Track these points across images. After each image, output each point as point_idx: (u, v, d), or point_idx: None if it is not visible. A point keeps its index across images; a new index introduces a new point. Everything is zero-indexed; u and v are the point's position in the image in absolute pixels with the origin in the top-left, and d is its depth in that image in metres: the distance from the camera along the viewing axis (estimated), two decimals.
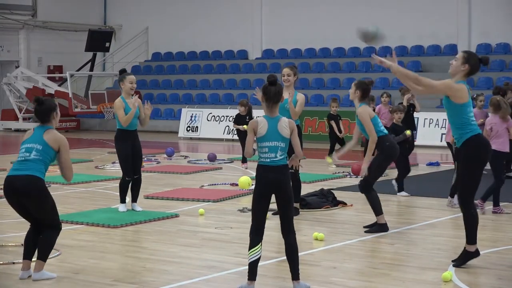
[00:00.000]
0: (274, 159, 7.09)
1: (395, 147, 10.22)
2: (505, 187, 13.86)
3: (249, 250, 7.13)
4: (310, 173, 15.51)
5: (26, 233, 7.83)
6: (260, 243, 7.13)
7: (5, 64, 32.73)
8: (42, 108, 7.74)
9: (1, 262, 8.37)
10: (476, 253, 8.15)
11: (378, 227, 10.02)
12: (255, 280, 7.15)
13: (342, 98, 26.45)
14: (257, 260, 7.12)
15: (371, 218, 10.40)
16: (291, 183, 7.22)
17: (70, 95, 28.92)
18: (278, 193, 7.10)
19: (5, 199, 7.77)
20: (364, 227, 10.26)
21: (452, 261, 8.23)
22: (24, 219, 7.87)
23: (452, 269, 7.98)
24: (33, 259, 7.83)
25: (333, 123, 17.33)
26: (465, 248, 8.18)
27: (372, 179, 10.09)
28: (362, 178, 10.11)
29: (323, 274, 7.96)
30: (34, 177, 7.56)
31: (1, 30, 32.20)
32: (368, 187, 10.04)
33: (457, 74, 8.06)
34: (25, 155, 7.62)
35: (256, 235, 7.14)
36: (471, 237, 8.13)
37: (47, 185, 7.82)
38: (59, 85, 31.31)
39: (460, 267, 8.09)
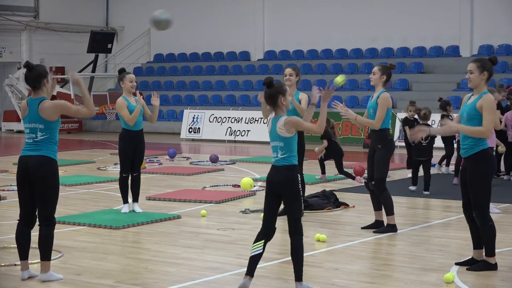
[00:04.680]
0: (276, 158, 7.16)
1: (393, 142, 10.24)
2: (506, 189, 13.88)
3: (252, 243, 7.16)
4: (312, 174, 15.49)
5: (16, 232, 7.77)
6: (263, 240, 7.14)
7: (7, 66, 32.73)
8: (32, 74, 7.64)
9: (2, 264, 8.38)
10: (495, 266, 8.06)
11: (388, 228, 10.04)
12: (252, 276, 7.13)
13: (344, 99, 26.44)
14: (257, 256, 7.11)
15: (373, 219, 10.39)
16: (297, 182, 7.15)
17: (72, 97, 28.91)
18: (283, 192, 7.11)
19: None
20: (362, 228, 10.27)
21: (467, 269, 8.12)
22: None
23: (454, 271, 7.98)
24: (36, 261, 7.84)
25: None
26: (484, 259, 8.10)
27: (384, 174, 10.04)
28: (374, 180, 10.07)
29: (325, 275, 7.96)
30: (48, 158, 7.56)
31: (3, 31, 32.21)
32: (382, 186, 10.00)
33: (479, 84, 7.90)
34: (31, 136, 7.59)
35: (263, 232, 7.18)
36: (490, 249, 8.04)
37: None
38: (61, 87, 31.30)
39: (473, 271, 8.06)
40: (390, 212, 10.05)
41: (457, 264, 8.24)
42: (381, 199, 10.06)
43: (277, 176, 7.10)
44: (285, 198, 7.13)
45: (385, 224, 10.14)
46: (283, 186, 7.09)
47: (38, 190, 7.56)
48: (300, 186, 7.16)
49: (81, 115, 7.99)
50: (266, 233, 7.20)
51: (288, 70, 11.22)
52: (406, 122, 15.23)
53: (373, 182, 10.03)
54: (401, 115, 22.51)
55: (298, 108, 10.85)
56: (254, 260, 7.14)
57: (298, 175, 7.16)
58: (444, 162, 16.18)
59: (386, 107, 9.87)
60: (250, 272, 7.16)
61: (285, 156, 7.12)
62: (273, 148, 7.18)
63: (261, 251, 7.14)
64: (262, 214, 7.37)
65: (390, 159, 10.17)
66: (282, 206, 7.56)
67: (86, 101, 7.81)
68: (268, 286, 7.57)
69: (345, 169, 15.08)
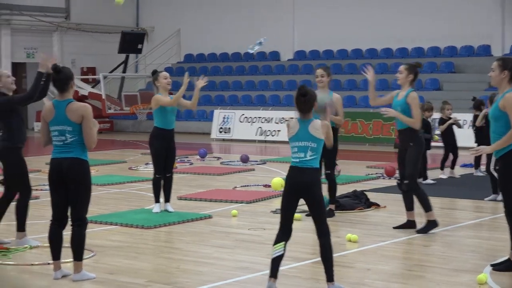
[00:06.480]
0: (303, 159, 7.08)
1: (423, 139, 10.31)
2: None
3: (273, 245, 7.14)
4: (344, 174, 15.43)
5: (49, 232, 7.83)
6: (284, 242, 7.12)
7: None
8: (60, 76, 7.65)
9: (36, 263, 8.45)
10: None
11: (429, 224, 9.98)
12: (275, 277, 7.10)
13: None
14: (279, 257, 7.09)
15: (405, 219, 10.34)
16: (321, 185, 7.16)
17: (104, 97, 29.07)
18: (306, 196, 7.10)
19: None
20: (394, 227, 10.22)
21: (492, 265, 8.12)
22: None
23: (487, 272, 7.92)
24: (69, 260, 7.90)
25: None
26: (509, 258, 8.04)
27: (416, 171, 10.05)
28: (406, 178, 10.03)
29: (357, 276, 7.94)
30: (80, 160, 7.60)
31: (35, 33, 32.48)
32: (415, 185, 9.97)
33: (501, 83, 7.90)
34: (61, 138, 7.61)
35: (281, 233, 7.17)
36: None
37: None
38: (93, 87, 31.51)
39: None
40: (428, 208, 9.99)
41: (492, 265, 8.14)
42: (417, 197, 10.01)
43: (305, 178, 7.06)
44: (311, 200, 7.11)
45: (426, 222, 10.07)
46: (311, 189, 7.06)
47: (71, 191, 7.61)
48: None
49: (89, 133, 7.57)
50: (285, 235, 7.18)
51: (319, 71, 11.18)
52: (442, 122, 15.43)
53: (406, 181, 9.99)
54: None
55: (336, 120, 10.97)
56: (276, 262, 7.13)
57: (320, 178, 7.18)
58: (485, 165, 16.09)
59: (419, 105, 9.93)
60: (274, 273, 7.13)
61: (314, 158, 7.09)
62: (300, 148, 7.10)
63: (282, 252, 7.12)
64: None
65: (420, 157, 10.15)
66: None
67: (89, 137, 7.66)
68: (300, 286, 7.57)
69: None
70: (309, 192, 7.07)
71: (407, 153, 9.98)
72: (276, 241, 7.14)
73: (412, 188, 9.99)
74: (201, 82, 11.41)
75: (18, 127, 9.06)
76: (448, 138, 15.46)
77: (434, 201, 12.60)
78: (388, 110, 10.06)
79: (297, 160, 7.12)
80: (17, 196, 9.24)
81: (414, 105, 9.91)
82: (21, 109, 9.17)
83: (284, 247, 7.13)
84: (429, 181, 14.38)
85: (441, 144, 15.76)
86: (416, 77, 10.16)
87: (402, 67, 10.23)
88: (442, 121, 15.38)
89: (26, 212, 9.22)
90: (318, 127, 7.12)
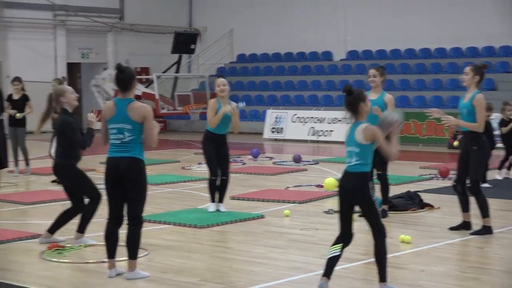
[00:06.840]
0: (350, 164, 7.08)
1: (487, 142, 10.15)
2: None
3: (330, 246, 7.16)
4: (397, 174, 15.34)
5: (105, 231, 7.91)
6: (342, 244, 7.11)
7: (94, 66, 33.36)
8: (124, 75, 7.73)
9: (91, 261, 8.55)
10: None
11: (484, 229, 9.89)
12: (328, 277, 7.07)
13: (427, 100, 26.12)
14: (335, 258, 7.09)
15: (458, 220, 10.24)
16: (368, 188, 7.04)
17: (157, 97, 29.25)
18: (355, 200, 7.08)
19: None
20: (450, 228, 10.14)
21: None
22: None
23: None
24: (124, 259, 7.97)
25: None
26: None
27: (480, 176, 9.98)
28: (470, 181, 9.92)
29: (410, 277, 7.89)
30: (137, 160, 7.68)
31: (90, 33, 32.86)
32: (477, 189, 9.88)
33: None
34: (119, 137, 7.69)
35: (341, 237, 7.16)
36: None
37: None
38: (146, 87, 31.74)
39: None
40: (486, 214, 9.89)
41: None
42: (477, 201, 9.89)
43: (348, 184, 7.05)
44: (361, 205, 7.10)
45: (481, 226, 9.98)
46: (354, 194, 7.04)
47: (128, 191, 7.69)
48: (372, 192, 7.05)
49: (150, 133, 7.71)
50: (343, 238, 7.17)
51: (372, 71, 11.11)
52: (503, 123, 15.21)
53: (468, 184, 9.87)
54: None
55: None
56: (331, 262, 7.12)
57: (370, 182, 7.07)
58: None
59: (484, 108, 9.76)
60: (327, 273, 7.11)
61: (359, 162, 7.04)
62: (348, 153, 7.10)
63: (338, 253, 7.11)
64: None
65: (487, 160, 10.01)
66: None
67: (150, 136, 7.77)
68: (352, 287, 7.54)
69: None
70: (357, 197, 7.04)
71: (471, 157, 9.83)
72: (334, 243, 7.14)
73: (474, 192, 9.87)
74: (235, 109, 11.29)
75: (69, 146, 9.24)
76: (509, 139, 15.22)
77: (489, 202, 12.49)
78: (449, 118, 9.90)
79: (347, 165, 7.13)
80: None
81: (479, 108, 9.76)
82: (71, 132, 9.23)
83: (342, 249, 7.11)
84: (486, 185, 14.05)
85: (501, 145, 15.54)
86: (482, 78, 9.96)
87: (467, 68, 10.00)
88: (503, 122, 15.17)
89: (91, 217, 9.38)
90: (361, 131, 7.05)
